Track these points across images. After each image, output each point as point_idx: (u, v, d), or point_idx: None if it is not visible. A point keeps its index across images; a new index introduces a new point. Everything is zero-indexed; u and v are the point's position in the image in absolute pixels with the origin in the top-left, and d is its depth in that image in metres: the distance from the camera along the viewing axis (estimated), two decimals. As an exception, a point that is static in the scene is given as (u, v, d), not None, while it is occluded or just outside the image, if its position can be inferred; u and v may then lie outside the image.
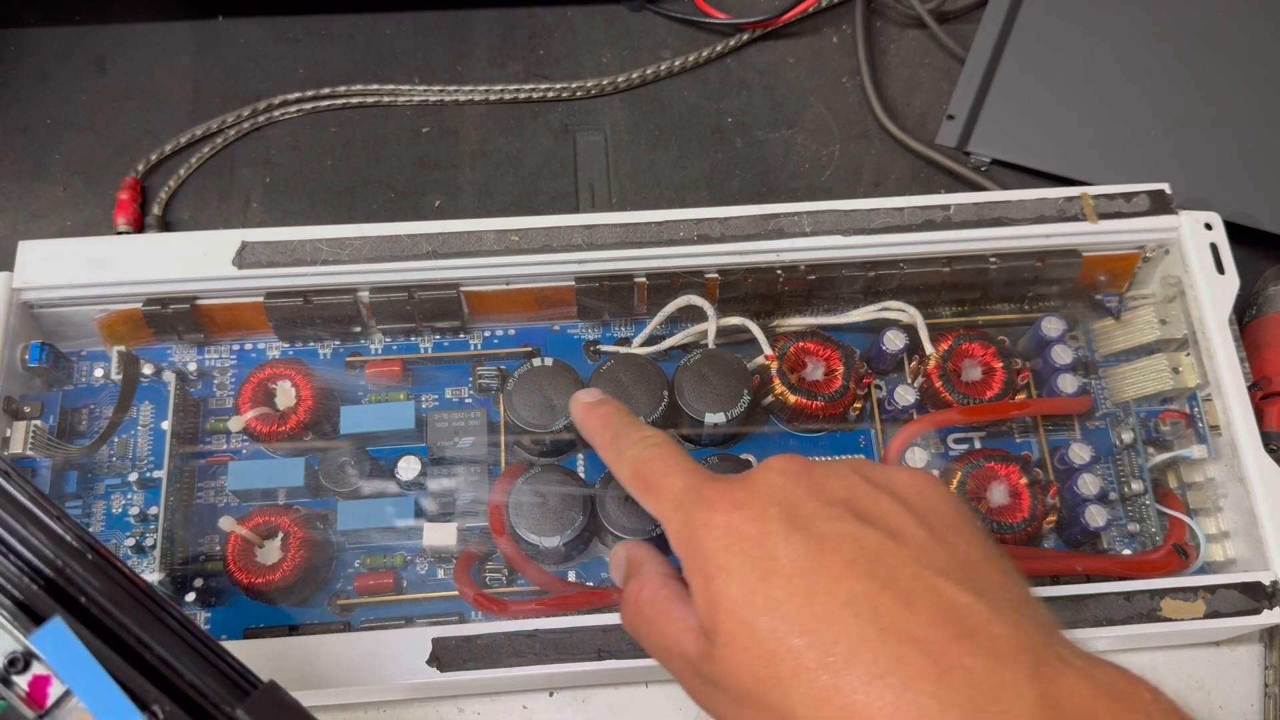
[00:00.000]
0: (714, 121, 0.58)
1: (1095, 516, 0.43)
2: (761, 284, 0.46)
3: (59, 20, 0.59)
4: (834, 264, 0.46)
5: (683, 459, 0.34)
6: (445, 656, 0.38)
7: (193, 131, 0.55)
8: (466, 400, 0.47)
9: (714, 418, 0.44)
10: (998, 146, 0.55)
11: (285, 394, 0.45)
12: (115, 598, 0.26)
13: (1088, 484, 0.44)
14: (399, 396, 0.47)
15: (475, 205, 0.55)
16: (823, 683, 0.26)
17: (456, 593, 0.42)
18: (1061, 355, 0.46)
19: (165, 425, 0.45)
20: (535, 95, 0.57)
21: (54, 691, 0.25)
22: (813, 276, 0.46)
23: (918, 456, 0.43)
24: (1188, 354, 0.46)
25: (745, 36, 0.59)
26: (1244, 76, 0.54)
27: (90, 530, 0.39)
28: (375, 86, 0.57)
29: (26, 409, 0.44)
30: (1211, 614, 0.40)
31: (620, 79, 0.58)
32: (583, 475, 0.45)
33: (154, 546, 0.43)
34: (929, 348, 0.46)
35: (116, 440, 0.45)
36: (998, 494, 0.44)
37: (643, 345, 0.47)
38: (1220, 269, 0.45)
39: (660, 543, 0.42)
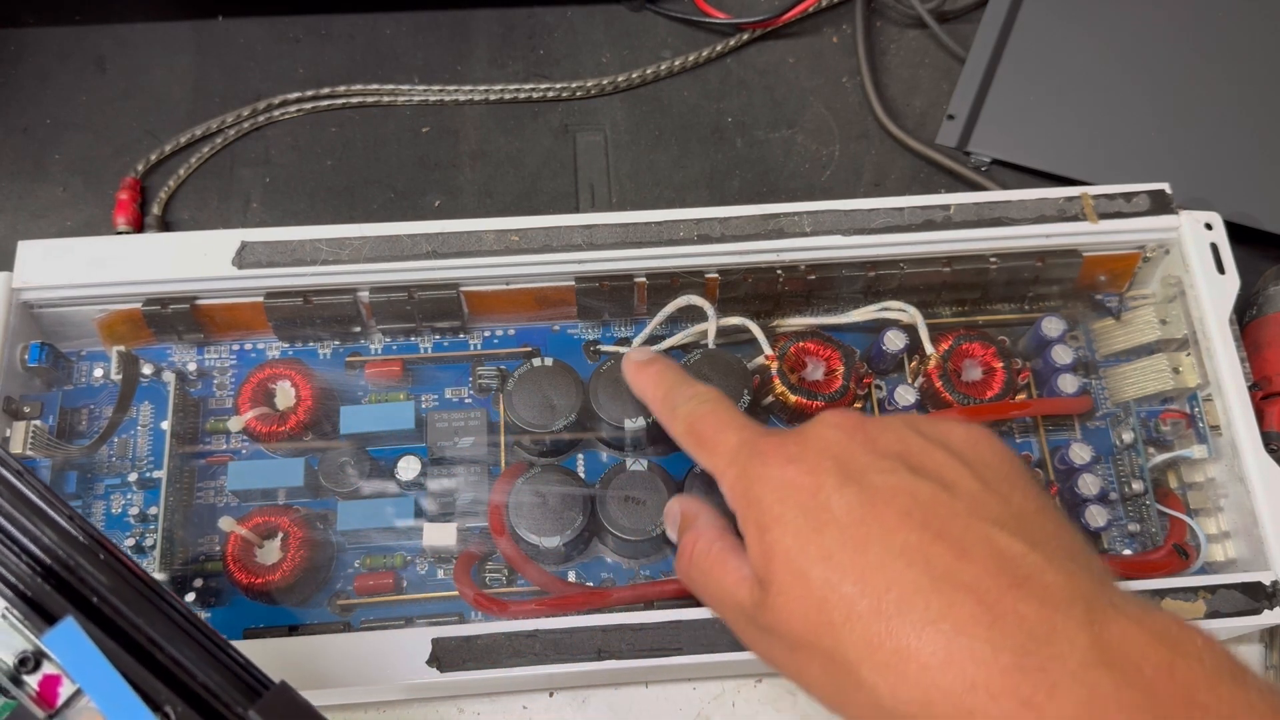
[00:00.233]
0: (714, 121, 0.58)
1: (1096, 516, 0.43)
2: (761, 284, 0.46)
3: (59, 20, 0.59)
4: (834, 264, 0.46)
5: (736, 415, 0.34)
6: (445, 657, 0.38)
7: (192, 131, 0.55)
8: (466, 400, 0.47)
9: (714, 418, 0.44)
10: (998, 146, 0.55)
11: (285, 394, 0.45)
12: (127, 597, 0.26)
13: (1088, 484, 0.44)
14: (399, 396, 0.47)
15: (475, 205, 0.55)
16: (875, 629, 0.26)
17: (456, 593, 0.42)
18: (1062, 355, 0.46)
19: (165, 425, 0.45)
20: (535, 95, 0.57)
21: (64, 691, 0.25)
22: (813, 276, 0.46)
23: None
24: (1188, 354, 0.46)
25: (745, 36, 0.59)
26: (1244, 76, 0.54)
27: (90, 530, 0.39)
28: (375, 86, 0.57)
29: (26, 409, 0.44)
30: (1212, 614, 0.40)
31: (620, 79, 0.58)
32: (583, 475, 0.45)
33: (154, 546, 0.43)
34: (929, 348, 0.46)
35: (116, 440, 0.45)
36: (998, 494, 0.44)
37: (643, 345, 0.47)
38: (1220, 269, 0.45)
39: (660, 542, 0.42)
